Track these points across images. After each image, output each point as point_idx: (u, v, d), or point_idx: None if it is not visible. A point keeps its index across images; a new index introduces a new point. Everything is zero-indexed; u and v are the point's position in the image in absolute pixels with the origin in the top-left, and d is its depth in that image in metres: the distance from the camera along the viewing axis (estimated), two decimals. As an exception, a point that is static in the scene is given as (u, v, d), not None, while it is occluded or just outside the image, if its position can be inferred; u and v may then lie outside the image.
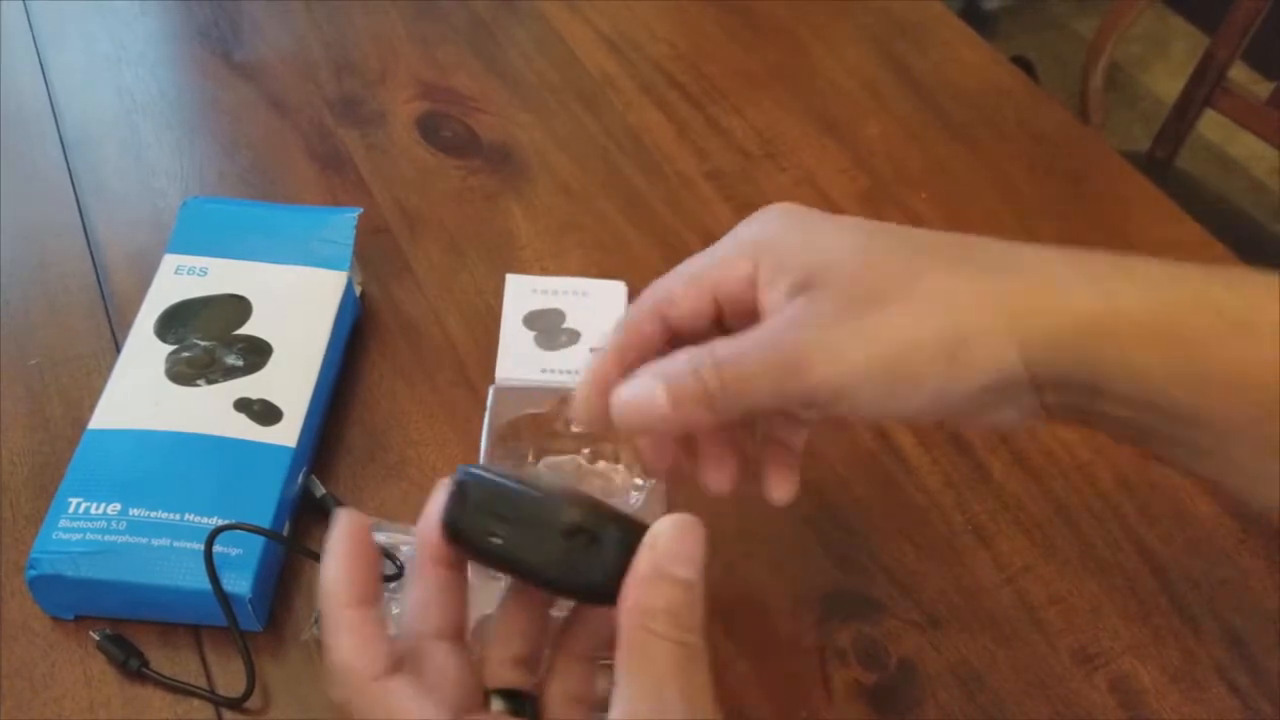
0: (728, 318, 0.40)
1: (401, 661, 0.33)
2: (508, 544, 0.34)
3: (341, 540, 0.34)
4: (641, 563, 0.33)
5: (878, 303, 0.36)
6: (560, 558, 0.33)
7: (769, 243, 0.39)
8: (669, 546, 0.33)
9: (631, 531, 0.34)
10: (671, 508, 0.52)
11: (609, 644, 0.34)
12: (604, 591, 0.33)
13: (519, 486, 0.34)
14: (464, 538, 0.35)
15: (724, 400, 0.36)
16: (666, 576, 0.32)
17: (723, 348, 0.36)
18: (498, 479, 0.35)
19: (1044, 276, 0.36)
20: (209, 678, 0.50)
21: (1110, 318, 0.35)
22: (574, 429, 0.37)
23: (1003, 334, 0.35)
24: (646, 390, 0.37)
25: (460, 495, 0.35)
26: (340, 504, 0.55)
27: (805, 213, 0.40)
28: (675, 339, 0.40)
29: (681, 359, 0.37)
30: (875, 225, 0.39)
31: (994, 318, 0.35)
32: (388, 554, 0.52)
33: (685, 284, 0.40)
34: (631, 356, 0.39)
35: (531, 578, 0.35)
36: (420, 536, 0.36)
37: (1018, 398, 0.36)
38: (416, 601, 0.36)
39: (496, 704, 0.35)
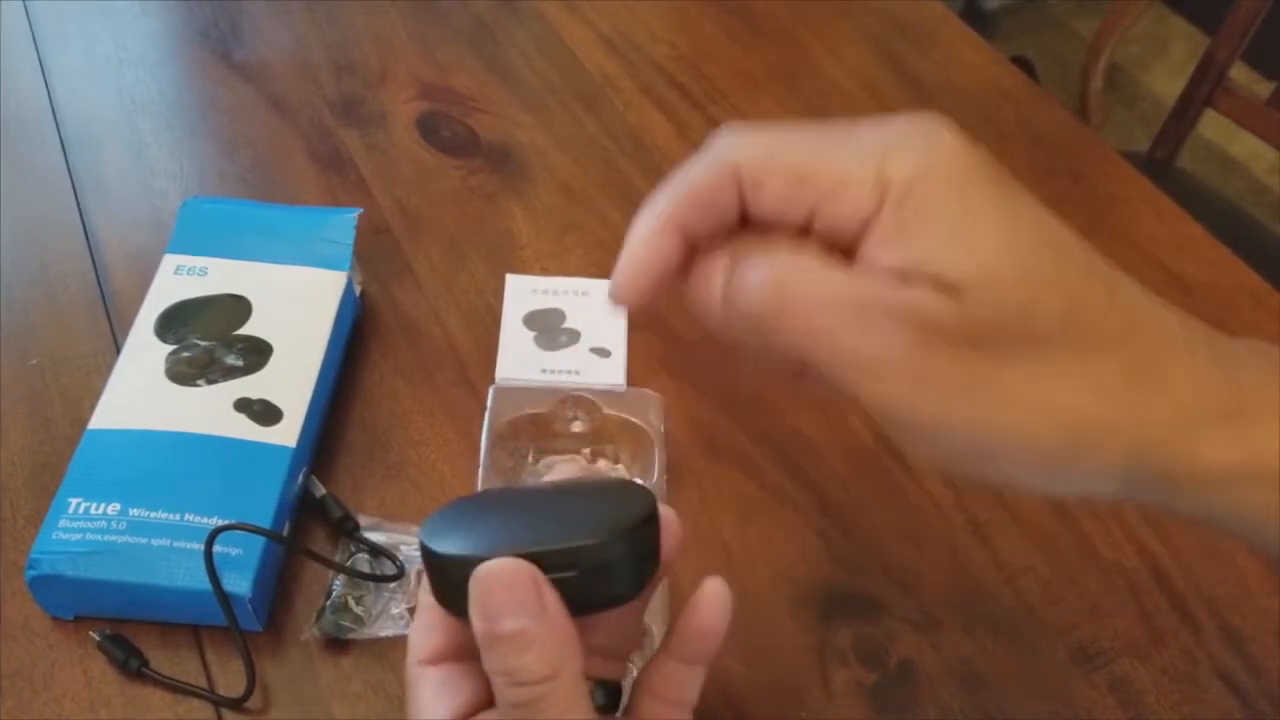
0: (816, 229, 0.31)
1: (444, 655, 0.36)
2: None
3: None
4: (475, 622, 0.32)
5: (1001, 352, 0.29)
6: (569, 594, 0.32)
7: (913, 193, 0.29)
8: (485, 604, 0.32)
9: (631, 527, 0.33)
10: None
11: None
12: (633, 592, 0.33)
13: (491, 550, 0.32)
14: (456, 610, 0.33)
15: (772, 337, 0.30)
16: (490, 637, 0.32)
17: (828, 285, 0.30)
18: (468, 543, 0.33)
19: (1182, 400, 0.30)
20: (209, 678, 0.50)
21: (1244, 469, 0.30)
22: (612, 303, 0.34)
23: (1116, 463, 0.30)
24: (765, 283, 0.30)
25: (439, 572, 0.34)
26: (340, 504, 0.55)
27: (971, 165, 0.30)
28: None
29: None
30: (1050, 233, 0.30)
31: (1126, 431, 0.30)
32: (388, 554, 0.52)
33: (785, 178, 0.30)
34: (694, 223, 0.32)
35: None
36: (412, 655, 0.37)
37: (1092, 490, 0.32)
38: (411, 633, 0.37)
39: (595, 696, 0.36)
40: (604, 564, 0.32)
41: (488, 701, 0.35)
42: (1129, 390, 0.29)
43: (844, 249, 0.30)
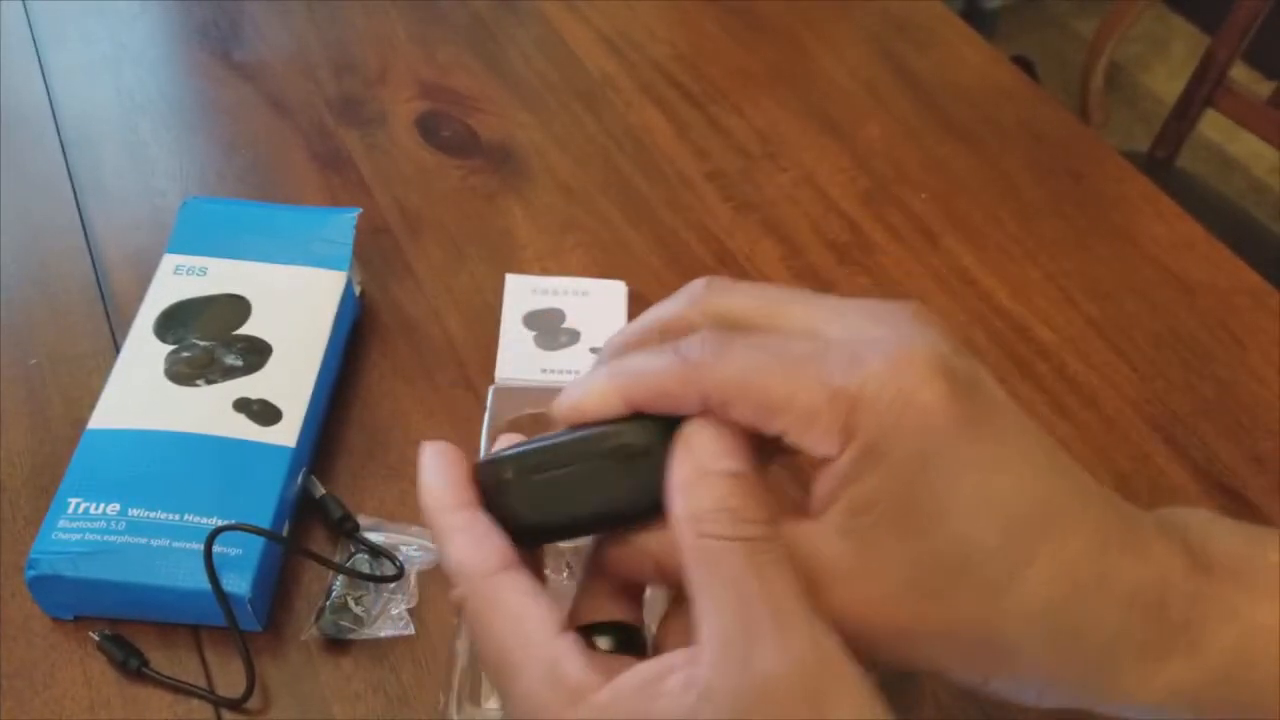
0: (782, 442, 0.31)
1: (515, 559, 0.31)
2: (571, 505, 0.32)
3: (434, 457, 0.34)
4: (680, 468, 0.30)
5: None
6: (633, 486, 0.31)
7: (881, 458, 0.29)
8: (706, 444, 0.30)
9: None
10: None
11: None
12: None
13: (550, 443, 0.32)
14: (520, 522, 0.32)
15: None
16: (711, 473, 0.29)
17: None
18: (515, 450, 0.33)
19: (1109, 639, 0.31)
20: (209, 678, 0.50)
21: (1163, 701, 0.31)
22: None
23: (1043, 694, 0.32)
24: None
25: (499, 479, 0.32)
26: (340, 504, 0.54)
27: (949, 427, 0.29)
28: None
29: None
30: (1040, 492, 0.30)
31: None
32: (387, 554, 0.52)
33: (754, 407, 0.30)
34: (647, 407, 0.32)
35: (610, 523, 0.33)
36: (434, 490, 0.33)
37: None
38: (470, 547, 0.32)
39: (601, 642, 0.32)
40: (647, 452, 0.31)
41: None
42: (1047, 645, 0.30)
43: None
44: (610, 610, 0.34)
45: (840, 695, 0.28)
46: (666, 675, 0.29)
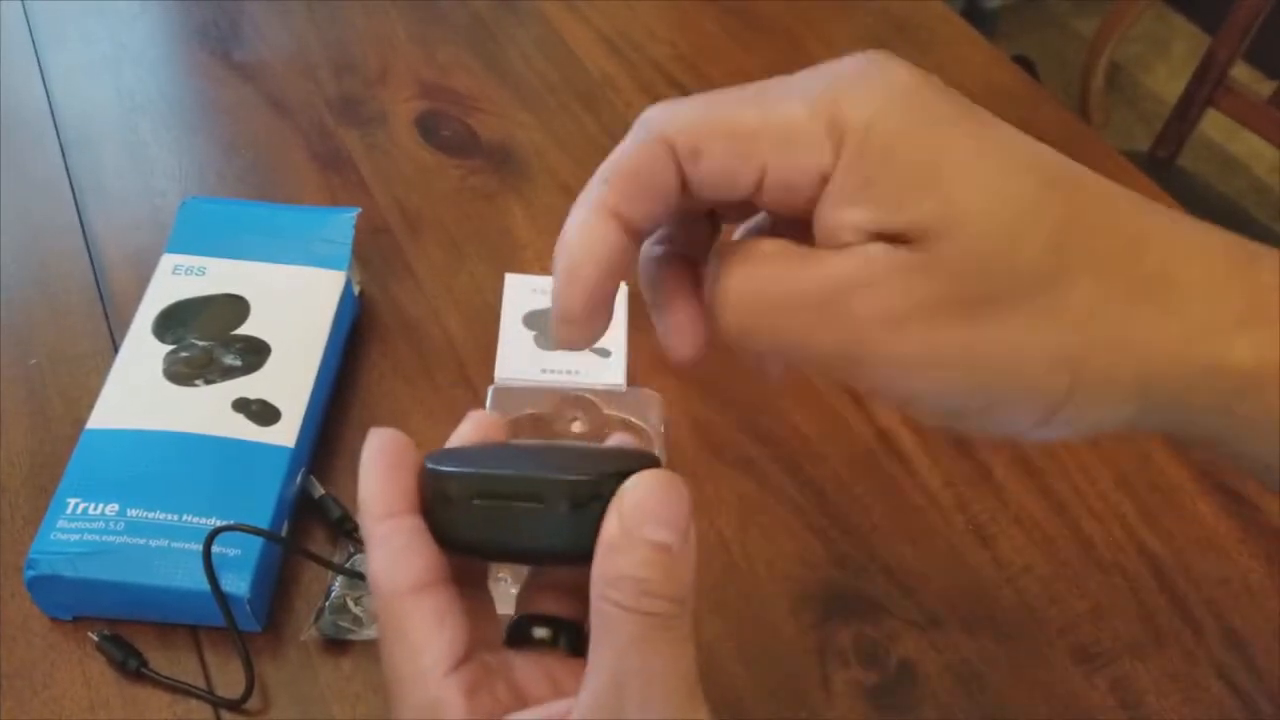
0: (766, 200, 0.28)
1: (437, 582, 0.30)
2: (505, 536, 0.31)
3: (375, 454, 0.31)
4: (609, 525, 0.28)
5: (990, 305, 0.27)
6: (569, 532, 0.30)
7: (874, 137, 0.26)
8: (640, 504, 0.28)
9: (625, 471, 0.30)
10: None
11: None
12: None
13: (499, 471, 0.31)
14: (451, 538, 0.32)
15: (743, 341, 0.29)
16: (637, 540, 0.28)
17: (774, 283, 0.28)
18: (472, 467, 0.31)
19: (1195, 309, 0.28)
20: (208, 678, 0.50)
21: (1262, 374, 0.28)
22: (559, 348, 0.32)
23: (1129, 386, 0.28)
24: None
25: (438, 491, 0.31)
26: (339, 504, 0.54)
27: (932, 98, 0.27)
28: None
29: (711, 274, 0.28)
30: (1028, 156, 0.27)
31: (1126, 366, 0.28)
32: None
33: (724, 140, 0.28)
34: (632, 209, 0.29)
35: (540, 560, 0.32)
36: (366, 495, 0.31)
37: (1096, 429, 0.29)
38: (385, 561, 0.30)
39: (539, 632, 0.32)
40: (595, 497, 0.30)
41: (479, 637, 0.31)
42: (1135, 309, 0.27)
43: (802, 214, 0.28)
44: (556, 604, 0.33)
45: None
46: None
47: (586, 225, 0.29)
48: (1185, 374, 0.28)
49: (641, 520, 0.28)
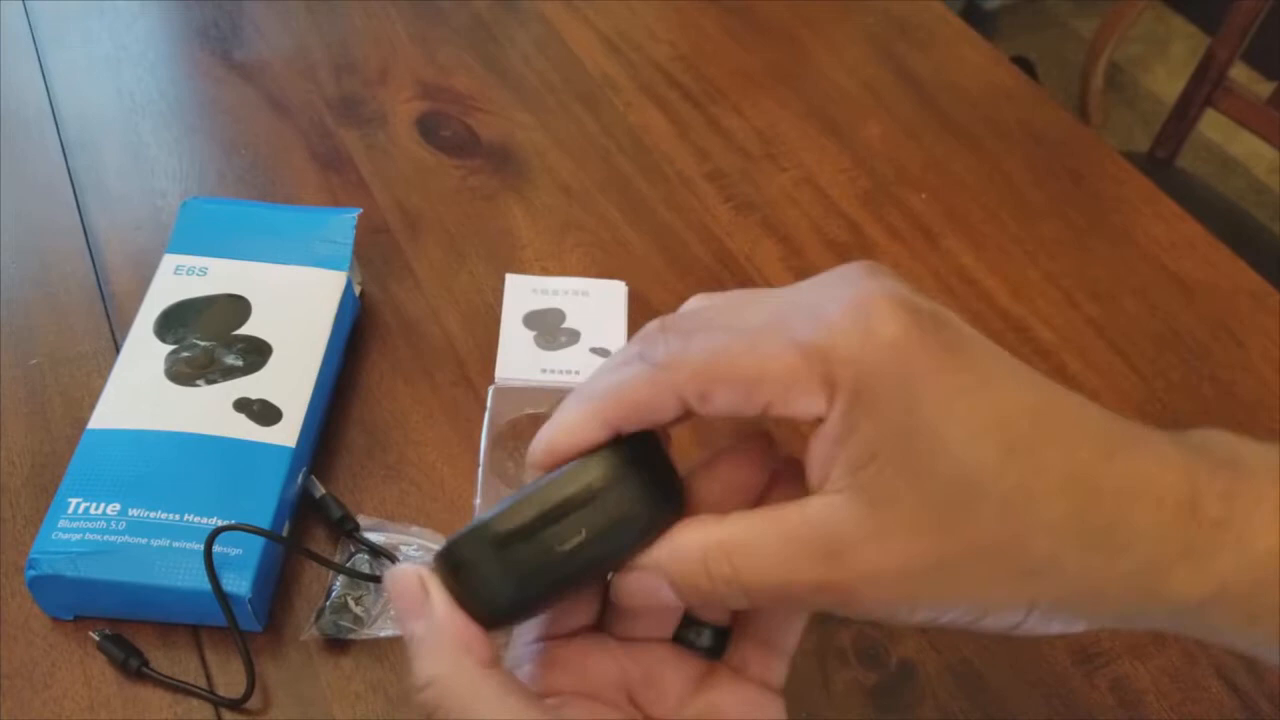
0: (768, 419, 0.32)
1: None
2: (550, 565, 0.30)
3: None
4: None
5: (950, 560, 0.29)
6: (613, 520, 0.30)
7: (861, 394, 0.29)
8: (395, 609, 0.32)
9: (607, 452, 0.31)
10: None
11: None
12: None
13: (506, 507, 0.31)
14: (502, 604, 0.31)
15: (738, 599, 0.31)
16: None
17: (742, 532, 0.31)
18: (472, 533, 0.31)
19: (1141, 549, 0.29)
20: (209, 678, 0.50)
21: (1209, 599, 0.30)
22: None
23: (1079, 611, 0.30)
24: (650, 586, 0.32)
25: (459, 574, 0.31)
26: (340, 504, 0.55)
27: (914, 353, 0.29)
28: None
29: (693, 545, 0.31)
30: (995, 417, 0.29)
31: (1076, 601, 0.30)
32: (387, 554, 0.52)
33: (729, 386, 0.30)
34: (627, 426, 0.32)
35: (600, 560, 0.31)
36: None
37: None
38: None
39: (702, 639, 0.35)
40: (593, 493, 0.30)
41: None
42: (1086, 557, 0.29)
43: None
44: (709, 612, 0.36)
45: None
46: None
47: (579, 429, 0.31)
48: (1134, 601, 0.30)
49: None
